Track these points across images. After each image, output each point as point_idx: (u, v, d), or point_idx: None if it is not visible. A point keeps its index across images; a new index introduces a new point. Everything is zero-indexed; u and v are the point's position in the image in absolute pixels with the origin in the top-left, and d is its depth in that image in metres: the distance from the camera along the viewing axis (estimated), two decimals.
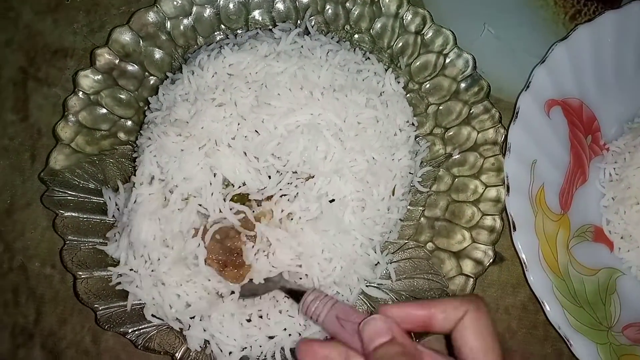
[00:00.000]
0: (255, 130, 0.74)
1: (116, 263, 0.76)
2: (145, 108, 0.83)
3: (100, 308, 0.74)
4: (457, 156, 0.83)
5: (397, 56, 0.86)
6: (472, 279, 0.76)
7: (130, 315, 0.74)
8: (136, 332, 0.73)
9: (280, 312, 0.74)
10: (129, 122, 0.84)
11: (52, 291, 0.81)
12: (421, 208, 0.82)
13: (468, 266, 0.77)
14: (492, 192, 0.79)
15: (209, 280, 0.72)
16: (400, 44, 0.85)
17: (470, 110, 0.83)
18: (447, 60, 0.83)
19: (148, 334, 0.74)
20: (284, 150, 0.74)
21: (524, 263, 0.75)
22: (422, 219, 0.82)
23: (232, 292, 0.73)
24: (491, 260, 0.76)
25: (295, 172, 0.75)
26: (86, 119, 0.82)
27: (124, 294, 0.75)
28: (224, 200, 0.73)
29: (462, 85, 0.83)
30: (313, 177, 0.75)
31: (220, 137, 0.74)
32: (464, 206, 0.80)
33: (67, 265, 0.75)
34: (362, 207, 0.74)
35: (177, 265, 0.72)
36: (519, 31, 0.92)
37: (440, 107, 0.84)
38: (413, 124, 0.82)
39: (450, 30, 0.83)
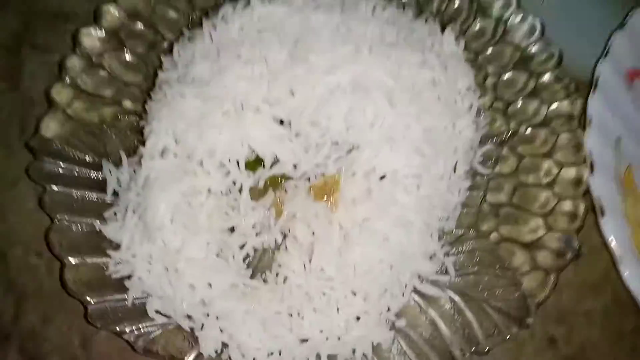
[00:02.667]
0: (290, 91, 0.61)
1: (115, 248, 0.62)
2: (159, 71, 0.70)
3: (92, 301, 0.59)
4: (524, 133, 0.69)
5: (448, 23, 0.74)
6: (552, 275, 0.61)
7: (129, 311, 0.60)
8: (135, 332, 0.59)
9: (314, 310, 0.60)
10: (137, 90, 0.72)
11: (35, 284, 0.68)
12: (482, 192, 0.68)
13: (545, 259, 0.63)
14: (569, 173, 0.66)
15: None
16: (456, 6, 0.74)
17: (537, 80, 0.70)
18: (509, 25, 0.72)
19: (150, 335, 0.59)
20: (323, 114, 0.61)
21: (616, 255, 0.62)
22: (483, 204, 0.68)
23: None
24: (576, 252, 0.62)
25: (337, 143, 0.63)
26: (86, 82, 0.70)
27: (122, 286, 0.61)
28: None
29: (528, 52, 0.71)
30: (357, 148, 0.62)
31: (247, 100, 0.62)
32: (536, 189, 0.67)
33: (54, 249, 0.61)
34: (418, 185, 0.61)
35: (201, 253, 0.60)
36: None
37: (502, 78, 0.72)
38: (475, 91, 0.69)
39: None
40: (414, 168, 0.61)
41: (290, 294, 0.61)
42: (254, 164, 0.65)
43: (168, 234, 0.60)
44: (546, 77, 0.70)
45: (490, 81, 0.73)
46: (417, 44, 0.67)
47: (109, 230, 0.62)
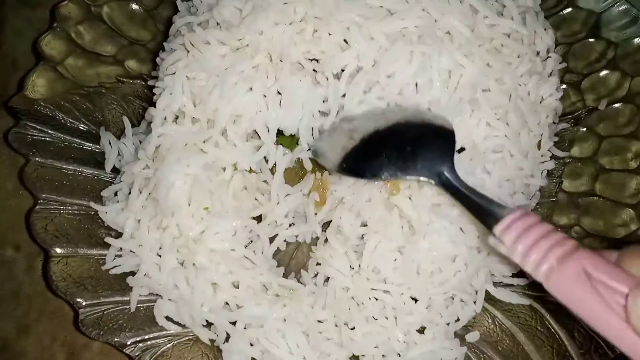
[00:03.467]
0: (344, 40, 0.50)
1: (116, 236, 0.50)
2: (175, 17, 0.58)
3: (83, 303, 0.47)
4: (604, 109, 0.59)
5: None
6: None
7: (132, 317, 0.48)
8: (140, 345, 0.48)
9: (366, 319, 0.48)
10: (143, 50, 0.62)
11: (12, 284, 0.57)
12: (557, 179, 0.57)
13: None
14: None
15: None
16: None
17: (617, 49, 0.60)
18: None
19: (159, 348, 0.48)
20: (383, 70, 0.49)
21: None
22: (559, 194, 0.57)
23: None
24: None
25: None
26: (83, 36, 0.60)
27: (124, 285, 0.49)
28: None
29: (604, 17, 0.61)
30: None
31: (287, 50, 0.50)
32: (623, 175, 0.57)
33: (38, 236, 0.49)
34: (501, 162, 0.50)
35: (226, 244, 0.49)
36: None
37: (573, 47, 0.61)
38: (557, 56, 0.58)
39: None
40: (498, 139, 0.49)
41: (335, 298, 0.49)
42: (290, 140, 0.53)
43: (184, 218, 0.48)
44: (626, 47, 0.60)
45: (560, 51, 0.62)
46: None
47: (108, 214, 0.51)
